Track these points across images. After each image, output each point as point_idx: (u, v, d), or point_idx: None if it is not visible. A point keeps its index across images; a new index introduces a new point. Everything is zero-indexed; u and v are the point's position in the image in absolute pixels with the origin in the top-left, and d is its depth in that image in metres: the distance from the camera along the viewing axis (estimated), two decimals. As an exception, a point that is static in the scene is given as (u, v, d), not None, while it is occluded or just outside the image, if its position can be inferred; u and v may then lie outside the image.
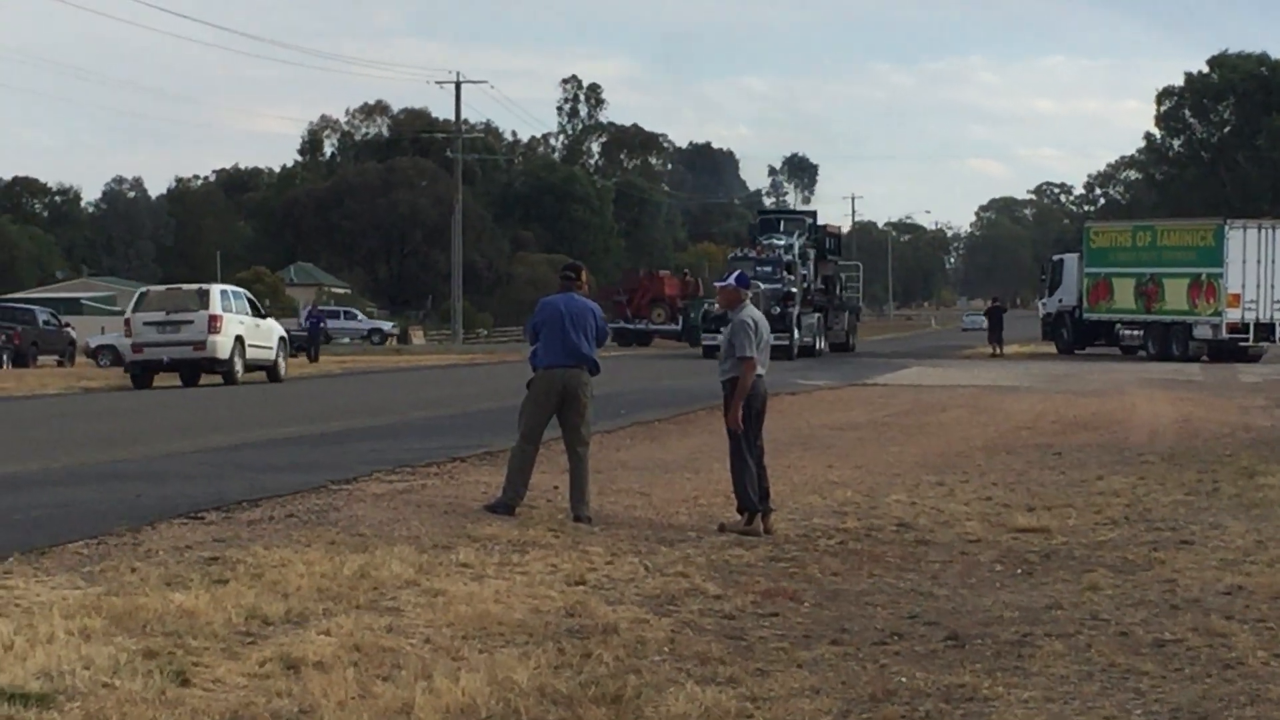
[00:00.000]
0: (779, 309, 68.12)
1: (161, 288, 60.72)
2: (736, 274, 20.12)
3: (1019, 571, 15.95)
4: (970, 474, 24.23)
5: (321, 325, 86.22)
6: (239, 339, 51.05)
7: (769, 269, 72.05)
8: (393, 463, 24.24)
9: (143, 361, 51.21)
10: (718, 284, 20.26)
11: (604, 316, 20.20)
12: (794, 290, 73.30)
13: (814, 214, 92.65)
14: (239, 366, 51.18)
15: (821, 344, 78.13)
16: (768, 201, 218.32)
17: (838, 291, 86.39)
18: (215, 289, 53.71)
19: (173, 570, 14.37)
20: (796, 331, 72.34)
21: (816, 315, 78.25)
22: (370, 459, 24.89)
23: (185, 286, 57.62)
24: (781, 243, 77.15)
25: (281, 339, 55.35)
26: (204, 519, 17.89)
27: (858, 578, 15.58)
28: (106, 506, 18.88)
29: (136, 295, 56.46)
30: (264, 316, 55.05)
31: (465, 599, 13.58)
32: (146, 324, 50.84)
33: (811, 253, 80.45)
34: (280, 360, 54.68)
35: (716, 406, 20.38)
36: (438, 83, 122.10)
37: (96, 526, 17.03)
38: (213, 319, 50.06)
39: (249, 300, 54.77)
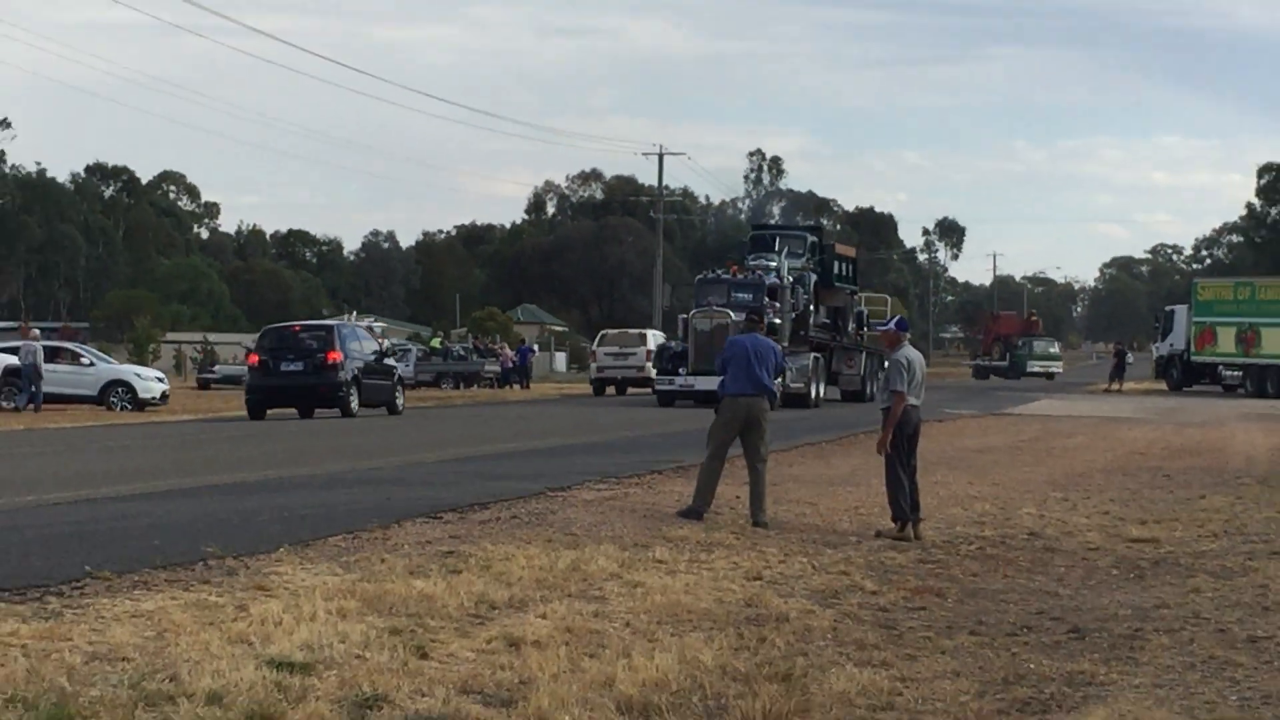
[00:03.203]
0: None
1: (615, 330, 75.79)
2: (896, 319, 19.97)
3: (1132, 576, 15.75)
4: (1091, 491, 23.98)
5: (531, 356, 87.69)
6: None
7: (747, 295, 50.30)
8: (601, 474, 24.31)
9: (601, 379, 67.26)
10: (879, 328, 20.12)
11: (783, 354, 20.16)
12: (778, 322, 49.21)
13: (819, 230, 66.33)
14: None
15: (820, 390, 54.82)
16: (922, 259, 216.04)
17: (850, 327, 60.59)
18: (650, 332, 68.59)
19: (415, 561, 14.48)
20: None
21: (814, 356, 54.22)
22: (582, 470, 24.97)
23: (630, 330, 73.88)
24: (773, 264, 53.81)
25: None
26: (442, 519, 18.03)
27: (993, 578, 15.45)
28: (362, 507, 19.05)
29: (600, 335, 72.47)
30: None
31: (660, 590, 13.57)
32: (606, 354, 67.63)
33: (812, 277, 56.25)
34: None
35: (875, 430, 20.27)
36: (644, 154, 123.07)
37: (353, 523, 17.21)
38: (649, 352, 62.91)
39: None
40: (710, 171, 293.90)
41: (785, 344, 48.50)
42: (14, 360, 45.41)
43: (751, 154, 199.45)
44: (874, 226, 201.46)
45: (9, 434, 33.58)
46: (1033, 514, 20.77)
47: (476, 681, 10.07)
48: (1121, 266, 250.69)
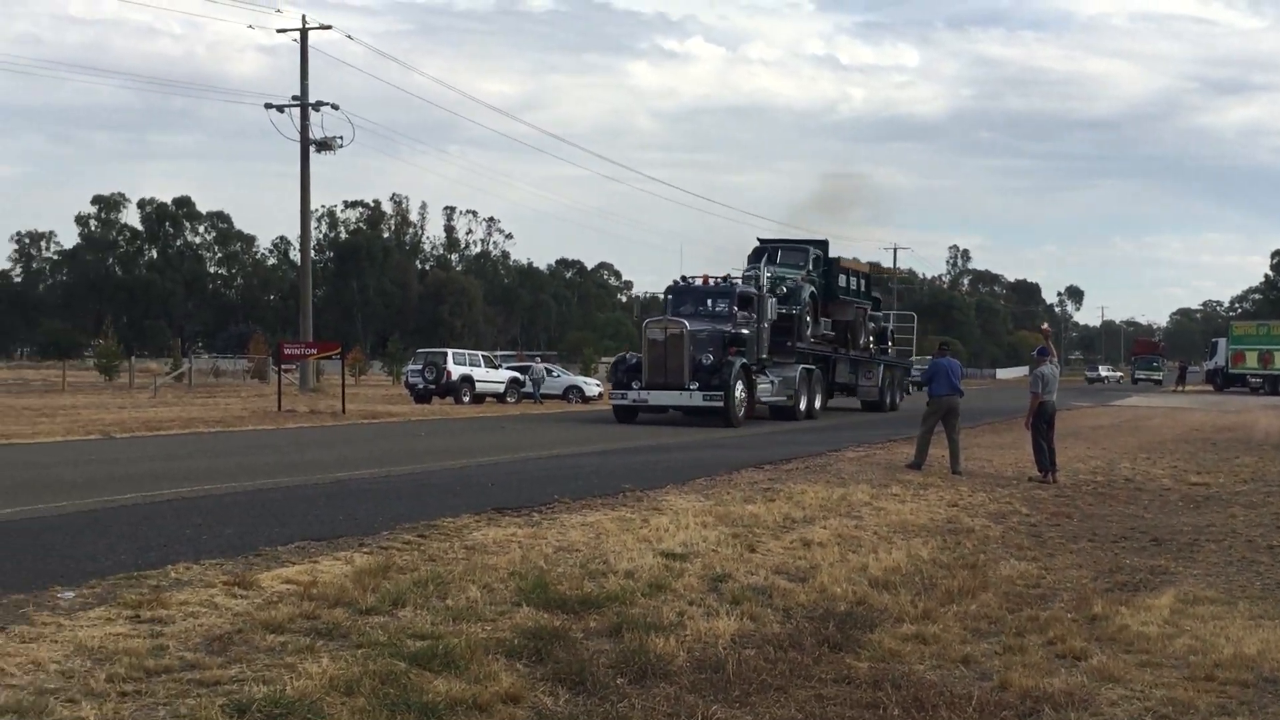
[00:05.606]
0: (710, 358, 29.41)
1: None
2: (1038, 349, 19.36)
3: (1191, 506, 15.09)
4: (1165, 453, 23.01)
5: None
6: None
7: (722, 304, 31.01)
8: (859, 442, 24.11)
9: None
10: (1033, 354, 19.48)
11: (962, 369, 19.84)
12: (744, 333, 30.19)
13: (824, 244, 37.83)
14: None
15: (809, 404, 33.54)
16: (1057, 310, 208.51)
17: (863, 340, 38.41)
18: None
19: (747, 493, 14.52)
20: (742, 386, 29.59)
21: (803, 368, 33.15)
22: (848, 440, 24.80)
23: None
24: (752, 274, 33.27)
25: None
26: (763, 468, 18.06)
27: (1103, 507, 14.93)
28: (715, 462, 19.16)
29: None
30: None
31: (895, 512, 13.42)
32: None
33: (808, 289, 34.49)
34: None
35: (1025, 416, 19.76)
36: (884, 248, 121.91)
37: (710, 471, 17.33)
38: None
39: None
40: (925, 258, 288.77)
41: (765, 355, 31.88)
42: (515, 374, 47.18)
43: (950, 247, 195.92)
44: (1026, 291, 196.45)
45: (509, 417, 34.52)
46: (1128, 467, 20.03)
47: (784, 566, 10.07)
48: (1183, 314, 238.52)
